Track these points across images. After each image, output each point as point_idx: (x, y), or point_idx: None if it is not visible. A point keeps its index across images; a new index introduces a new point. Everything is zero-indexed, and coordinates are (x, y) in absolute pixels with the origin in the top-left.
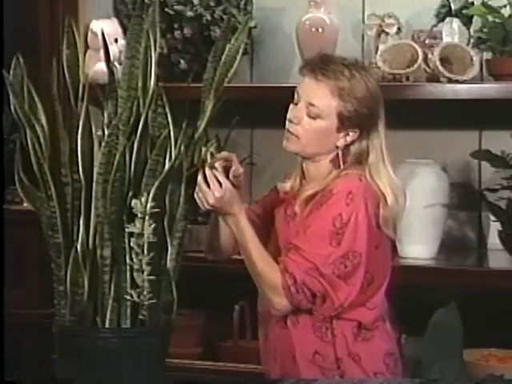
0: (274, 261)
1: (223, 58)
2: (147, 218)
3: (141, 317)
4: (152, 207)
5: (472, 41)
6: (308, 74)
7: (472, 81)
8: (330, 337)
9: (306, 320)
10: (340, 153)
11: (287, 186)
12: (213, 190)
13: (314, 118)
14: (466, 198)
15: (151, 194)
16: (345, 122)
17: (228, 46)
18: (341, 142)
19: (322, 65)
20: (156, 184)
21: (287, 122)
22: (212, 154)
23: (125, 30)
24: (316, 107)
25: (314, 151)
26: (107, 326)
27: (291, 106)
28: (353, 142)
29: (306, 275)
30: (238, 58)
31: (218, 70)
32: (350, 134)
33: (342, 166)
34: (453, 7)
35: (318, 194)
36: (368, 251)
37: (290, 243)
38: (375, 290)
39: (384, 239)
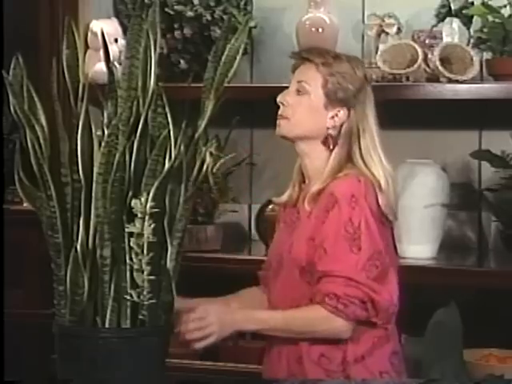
0: (303, 305)
1: (223, 57)
2: (147, 217)
3: (141, 317)
4: (152, 207)
5: (472, 41)
6: (298, 61)
7: (472, 81)
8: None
9: None
10: (331, 134)
11: (284, 196)
12: (202, 330)
13: (302, 94)
14: (466, 198)
15: (151, 194)
16: (331, 97)
17: (228, 46)
18: (330, 123)
19: (309, 49)
20: (156, 184)
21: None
22: (212, 154)
23: (125, 30)
24: (303, 82)
25: (304, 131)
26: (107, 325)
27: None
28: (342, 124)
29: (346, 287)
30: (238, 57)
31: (218, 70)
32: (339, 114)
33: (331, 147)
34: (453, 7)
35: (321, 196)
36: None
37: (316, 271)
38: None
39: (389, 234)
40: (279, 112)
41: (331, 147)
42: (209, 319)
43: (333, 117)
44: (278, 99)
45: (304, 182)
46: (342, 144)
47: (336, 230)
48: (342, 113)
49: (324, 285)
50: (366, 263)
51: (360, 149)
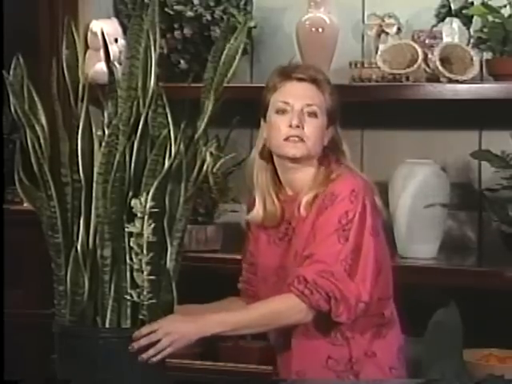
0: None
1: (223, 58)
2: (147, 217)
3: (141, 317)
4: (152, 207)
5: (472, 41)
6: (294, 79)
7: (472, 81)
8: (341, 339)
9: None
10: (326, 151)
11: (259, 214)
12: (154, 347)
13: (315, 116)
14: (466, 198)
15: (150, 194)
16: (331, 117)
17: (227, 46)
18: (325, 140)
19: (302, 69)
20: (155, 184)
21: (287, 130)
22: (212, 154)
23: (125, 30)
24: (314, 105)
25: (316, 151)
26: (107, 325)
27: (279, 117)
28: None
29: (317, 276)
30: (238, 57)
31: (217, 70)
32: (329, 130)
33: (329, 164)
34: (453, 7)
35: (319, 198)
36: (374, 242)
37: (302, 257)
38: (385, 280)
39: (381, 228)
40: (295, 133)
41: (323, 162)
42: (162, 330)
43: (327, 134)
44: (295, 123)
45: (280, 192)
46: (330, 156)
47: (331, 220)
48: (332, 128)
49: (300, 268)
50: (348, 255)
51: (345, 159)
